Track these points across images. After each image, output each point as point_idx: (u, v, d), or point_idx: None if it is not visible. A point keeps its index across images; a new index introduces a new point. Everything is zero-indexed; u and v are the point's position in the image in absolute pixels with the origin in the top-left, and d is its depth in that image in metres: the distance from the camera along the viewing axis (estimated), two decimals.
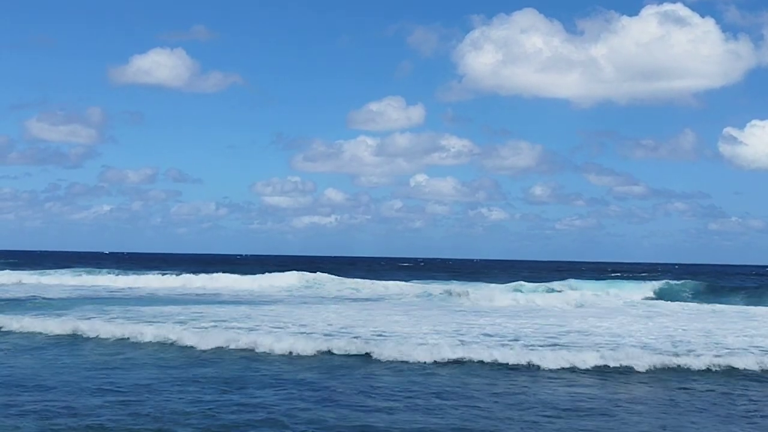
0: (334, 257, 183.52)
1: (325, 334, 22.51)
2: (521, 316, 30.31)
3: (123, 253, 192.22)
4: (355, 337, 21.75)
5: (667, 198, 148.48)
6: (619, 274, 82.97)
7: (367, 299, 41.21)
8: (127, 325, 24.02)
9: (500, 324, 26.85)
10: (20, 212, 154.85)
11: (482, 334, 23.54)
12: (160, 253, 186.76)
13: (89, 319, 25.59)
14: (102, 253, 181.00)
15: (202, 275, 56.01)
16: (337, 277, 55.87)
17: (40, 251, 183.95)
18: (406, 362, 18.69)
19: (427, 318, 28.90)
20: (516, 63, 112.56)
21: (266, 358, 19.41)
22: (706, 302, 41.13)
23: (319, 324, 25.61)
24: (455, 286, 49.17)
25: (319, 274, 56.45)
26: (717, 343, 22.02)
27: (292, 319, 27.31)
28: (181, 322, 24.88)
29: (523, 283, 51.19)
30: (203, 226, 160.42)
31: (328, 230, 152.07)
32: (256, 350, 20.18)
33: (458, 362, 18.77)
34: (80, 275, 59.84)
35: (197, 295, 42.62)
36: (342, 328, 24.65)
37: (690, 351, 20.31)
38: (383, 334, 23.06)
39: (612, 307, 37.05)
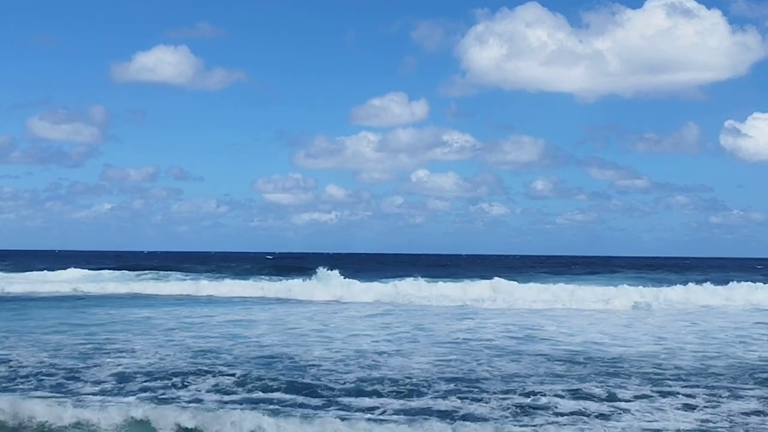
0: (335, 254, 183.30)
1: None
2: None
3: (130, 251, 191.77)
4: None
5: (669, 191, 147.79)
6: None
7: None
8: None
9: None
10: (21, 212, 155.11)
11: None
12: (162, 251, 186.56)
13: None
14: (105, 252, 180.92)
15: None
16: None
17: (41, 251, 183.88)
18: None
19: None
20: (520, 57, 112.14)
21: None
22: None
23: None
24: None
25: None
26: None
27: None
28: None
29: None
30: (204, 224, 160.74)
31: (329, 227, 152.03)
32: None
33: None
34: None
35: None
36: None
37: None
38: None
39: None
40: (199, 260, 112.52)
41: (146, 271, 70.18)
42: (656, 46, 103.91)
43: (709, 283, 46.02)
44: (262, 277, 60.85)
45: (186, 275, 65.37)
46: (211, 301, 41.03)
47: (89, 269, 70.87)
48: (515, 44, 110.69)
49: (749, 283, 45.43)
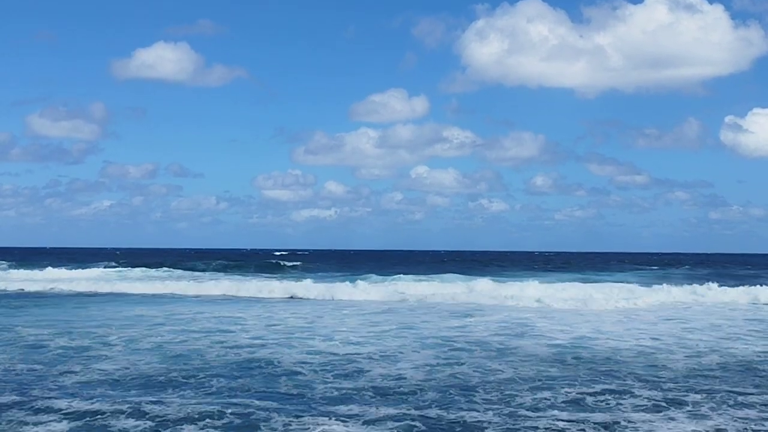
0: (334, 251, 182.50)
1: None
2: None
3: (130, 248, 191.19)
4: None
5: (669, 187, 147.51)
6: None
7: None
8: None
9: None
10: (21, 209, 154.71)
11: None
12: (161, 248, 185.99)
13: None
14: (104, 249, 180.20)
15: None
16: None
17: (41, 248, 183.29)
18: None
19: None
20: (521, 53, 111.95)
21: None
22: None
23: None
24: None
25: None
26: None
27: None
28: None
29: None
30: (203, 221, 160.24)
31: (328, 223, 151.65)
32: None
33: None
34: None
35: None
36: None
37: None
38: None
39: None
40: (201, 257, 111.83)
41: (145, 268, 69.60)
42: (658, 42, 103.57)
43: (707, 279, 45.54)
44: (263, 275, 60.24)
45: (187, 273, 64.88)
46: (209, 299, 40.27)
47: (86, 267, 70.53)
48: (516, 40, 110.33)
49: (747, 279, 44.86)
